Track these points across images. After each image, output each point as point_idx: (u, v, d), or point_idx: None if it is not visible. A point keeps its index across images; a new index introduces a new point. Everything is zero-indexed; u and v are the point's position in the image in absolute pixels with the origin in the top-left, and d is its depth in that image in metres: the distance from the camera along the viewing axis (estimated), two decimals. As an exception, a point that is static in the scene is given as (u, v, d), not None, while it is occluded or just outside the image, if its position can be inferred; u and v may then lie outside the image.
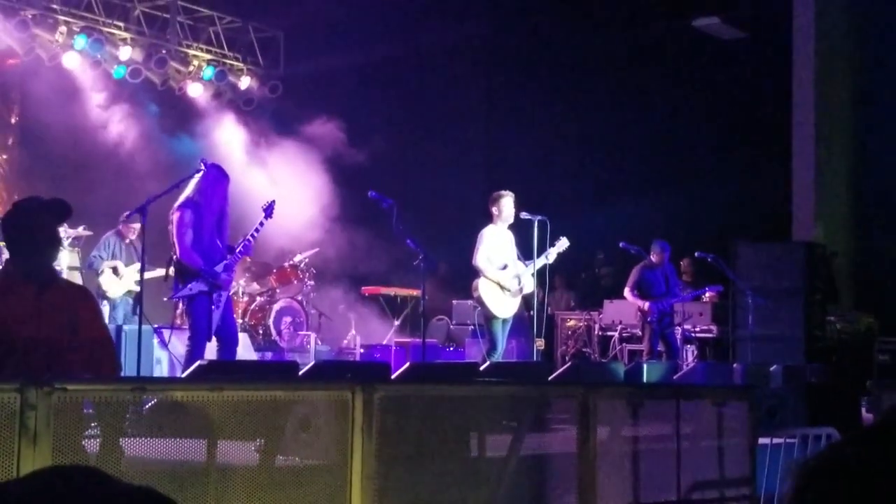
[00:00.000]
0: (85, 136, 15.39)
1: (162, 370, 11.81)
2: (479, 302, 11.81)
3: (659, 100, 17.77)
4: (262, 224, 9.83)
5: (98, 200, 13.92)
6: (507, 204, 11.80)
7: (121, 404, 4.25)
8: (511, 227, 11.94)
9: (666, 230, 14.97)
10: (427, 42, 17.56)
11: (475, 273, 11.81)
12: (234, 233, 11.51)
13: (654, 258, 14.09)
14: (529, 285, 11.84)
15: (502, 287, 11.71)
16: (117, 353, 5.54)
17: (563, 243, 11.88)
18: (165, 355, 11.87)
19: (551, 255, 11.83)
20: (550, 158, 18.45)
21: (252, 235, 9.73)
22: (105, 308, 12.93)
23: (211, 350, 9.39)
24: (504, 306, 11.74)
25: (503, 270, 11.75)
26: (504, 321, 11.77)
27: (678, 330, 14.49)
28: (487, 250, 11.75)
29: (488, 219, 11.90)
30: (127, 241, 13.49)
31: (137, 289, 12.95)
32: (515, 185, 12.31)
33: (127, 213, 12.96)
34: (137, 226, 11.83)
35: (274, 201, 9.96)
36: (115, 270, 13.37)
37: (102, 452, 4.25)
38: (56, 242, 5.50)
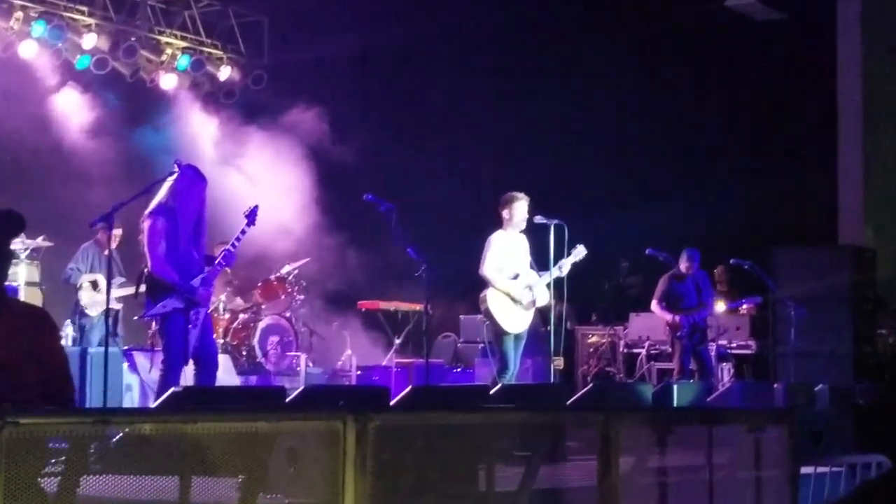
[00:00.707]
0: (43, 136, 15.32)
1: (133, 398, 11.80)
2: (488, 316, 11.73)
3: (688, 89, 17.75)
4: (244, 232, 9.79)
5: (59, 207, 13.92)
6: (520, 208, 11.73)
7: (82, 439, 4.22)
8: (524, 232, 11.87)
9: (697, 234, 14.97)
10: (428, 27, 17.53)
11: (483, 284, 11.76)
12: (212, 241, 11.52)
13: (682, 267, 14.06)
14: (543, 297, 11.77)
15: (513, 299, 11.64)
16: (72, 378, 5.52)
17: (579, 252, 11.79)
18: (137, 380, 11.87)
19: (565, 266, 11.72)
20: (567, 155, 18.40)
21: (233, 244, 9.71)
22: (68, 329, 12.88)
23: (188, 374, 9.38)
24: (515, 320, 11.66)
25: (514, 280, 11.68)
26: (516, 337, 11.69)
27: (712, 346, 14.49)
28: (496, 258, 11.69)
29: (497, 223, 11.85)
30: (105, 251, 13.49)
31: (118, 306, 12.91)
32: (527, 185, 12.22)
33: (92, 220, 13.01)
34: (119, 231, 11.78)
35: (257, 206, 9.93)
36: (94, 284, 13.32)
37: (63, 493, 4.23)
38: (7, 258, 5.50)
